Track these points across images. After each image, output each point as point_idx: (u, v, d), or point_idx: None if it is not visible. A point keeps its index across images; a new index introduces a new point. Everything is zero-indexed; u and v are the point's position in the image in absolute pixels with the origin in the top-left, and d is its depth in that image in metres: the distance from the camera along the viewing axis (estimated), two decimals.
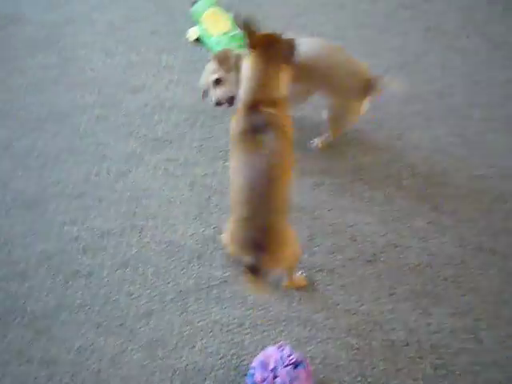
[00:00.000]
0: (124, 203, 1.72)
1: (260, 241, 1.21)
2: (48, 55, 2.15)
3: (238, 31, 2.09)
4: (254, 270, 1.19)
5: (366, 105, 1.68)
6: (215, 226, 1.67)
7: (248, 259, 1.20)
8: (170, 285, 1.55)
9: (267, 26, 2.25)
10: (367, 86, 1.60)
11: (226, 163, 1.82)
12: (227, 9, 2.25)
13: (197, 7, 2.21)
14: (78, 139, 1.88)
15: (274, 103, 1.33)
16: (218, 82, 1.60)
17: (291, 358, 1.31)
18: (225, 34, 2.07)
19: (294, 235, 1.34)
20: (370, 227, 1.69)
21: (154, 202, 1.72)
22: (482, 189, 1.79)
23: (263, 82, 1.34)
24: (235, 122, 1.34)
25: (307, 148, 1.86)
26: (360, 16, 2.30)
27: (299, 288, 1.56)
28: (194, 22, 2.22)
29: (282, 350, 1.34)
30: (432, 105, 2.01)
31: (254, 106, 1.32)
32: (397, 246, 1.65)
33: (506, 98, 2.04)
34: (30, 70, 2.10)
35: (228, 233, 1.31)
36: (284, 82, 1.37)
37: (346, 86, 1.62)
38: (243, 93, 1.35)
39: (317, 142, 1.86)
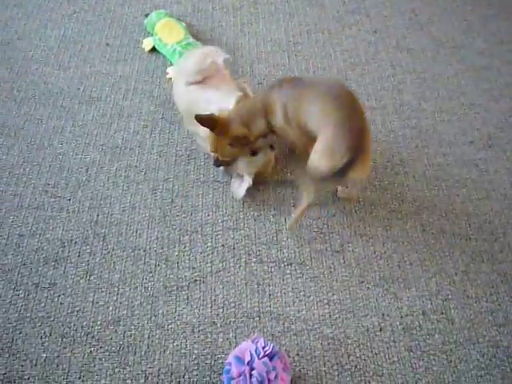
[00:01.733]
0: (85, 212, 1.68)
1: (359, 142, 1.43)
2: None
3: (191, 39, 2.12)
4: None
5: None
6: (180, 228, 1.65)
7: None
8: (137, 289, 1.51)
9: (220, 34, 2.29)
10: None
11: (188, 166, 1.81)
12: (179, 18, 2.27)
13: (150, 18, 2.23)
14: (34, 151, 1.83)
15: None
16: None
17: (266, 349, 1.29)
18: (178, 42, 2.09)
19: None
20: (336, 219, 1.70)
21: (116, 209, 1.69)
22: (440, 176, 1.84)
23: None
24: None
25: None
26: (310, 22, 2.37)
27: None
28: (149, 33, 2.23)
29: (257, 342, 1.32)
30: (385, 101, 2.07)
31: None
32: (363, 236, 1.67)
33: (452, 91, 2.12)
34: None
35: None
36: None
37: None
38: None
39: None
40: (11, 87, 2.04)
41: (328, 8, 2.46)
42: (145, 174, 1.78)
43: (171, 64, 2.11)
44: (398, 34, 2.36)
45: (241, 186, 1.68)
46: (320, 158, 1.45)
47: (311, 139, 1.51)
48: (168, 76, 2.09)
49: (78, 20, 2.33)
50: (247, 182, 1.67)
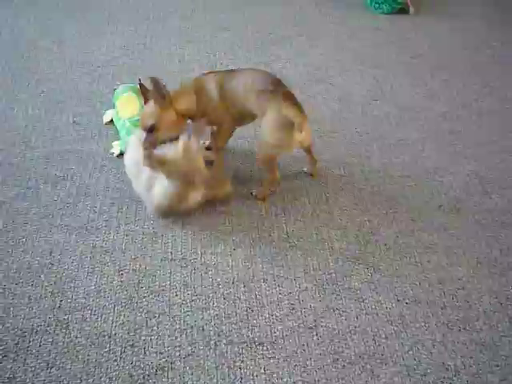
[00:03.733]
0: (48, 298, 1.61)
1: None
2: None
3: None
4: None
5: None
6: (147, 310, 1.59)
7: None
8: (101, 380, 1.43)
9: (160, 60, 2.32)
10: None
11: (155, 245, 1.77)
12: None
13: (117, 91, 2.26)
14: None
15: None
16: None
17: None
18: (130, 118, 2.10)
19: None
20: (308, 293, 1.66)
21: (80, 293, 1.63)
22: (410, 242, 1.83)
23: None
24: None
25: (236, 222, 1.86)
26: None
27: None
28: (113, 106, 2.25)
29: None
30: (353, 169, 2.09)
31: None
32: (335, 310, 1.63)
33: (416, 156, 2.16)
34: None
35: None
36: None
37: None
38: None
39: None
40: None
41: (292, 78, 2.52)
42: (111, 254, 1.74)
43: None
44: (362, 101, 2.43)
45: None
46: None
47: (239, 118, 1.93)
48: (111, 150, 2.09)
49: (45, 99, 2.35)
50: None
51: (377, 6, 3.09)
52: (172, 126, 1.82)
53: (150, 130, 1.82)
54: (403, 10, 3.11)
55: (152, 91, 1.80)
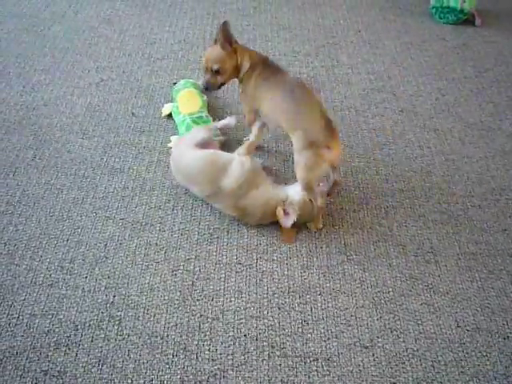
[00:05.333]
0: (101, 292, 1.60)
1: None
2: (22, 137, 2.09)
3: (205, 114, 2.10)
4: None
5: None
6: (200, 313, 1.56)
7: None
8: (152, 382, 1.41)
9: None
10: None
11: (210, 246, 1.74)
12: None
13: (177, 85, 2.24)
14: (52, 223, 1.78)
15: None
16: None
17: None
18: (190, 114, 2.07)
19: None
20: (364, 310, 1.60)
21: (133, 290, 1.60)
22: (473, 266, 1.75)
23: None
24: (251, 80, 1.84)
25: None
26: (337, 98, 2.36)
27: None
28: (172, 99, 2.23)
29: None
30: (414, 183, 2.02)
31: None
32: (393, 330, 1.56)
33: (481, 174, 2.07)
34: (2, 152, 2.02)
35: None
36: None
37: None
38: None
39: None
40: (34, 154, 2.01)
41: (354, 85, 2.46)
42: (165, 252, 1.71)
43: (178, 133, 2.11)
44: (424, 113, 2.35)
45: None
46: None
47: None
48: (169, 145, 2.06)
49: (104, 89, 2.34)
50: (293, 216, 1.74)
51: (442, 15, 2.99)
52: (233, 74, 1.86)
53: (216, 72, 1.83)
54: (469, 21, 2.99)
55: (220, 35, 1.80)
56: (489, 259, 1.78)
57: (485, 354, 1.53)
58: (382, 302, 1.63)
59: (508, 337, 1.57)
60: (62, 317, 1.54)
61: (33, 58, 2.53)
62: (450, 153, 2.16)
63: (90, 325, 1.52)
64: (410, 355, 1.51)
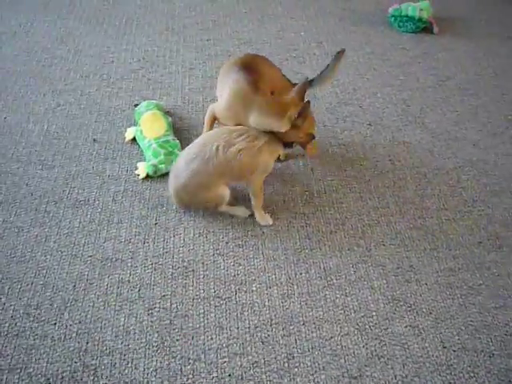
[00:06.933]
0: (73, 339, 1.49)
1: None
2: None
3: (171, 137, 2.02)
4: None
5: None
6: (181, 355, 1.48)
7: None
8: None
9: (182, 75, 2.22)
10: None
11: (186, 280, 1.66)
12: (168, 111, 2.20)
13: (139, 107, 2.15)
14: (13, 265, 1.66)
15: None
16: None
17: None
18: (156, 138, 1.99)
19: None
20: (350, 338, 1.56)
21: (108, 335, 1.51)
22: (453, 282, 1.74)
23: None
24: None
25: (271, 257, 1.76)
26: None
27: None
28: (135, 123, 2.14)
29: None
30: (387, 199, 2.00)
31: None
32: (380, 357, 1.53)
33: (453, 186, 2.07)
34: None
35: None
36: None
37: None
38: None
39: None
40: None
41: (320, 99, 2.43)
42: (139, 290, 1.62)
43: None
44: (392, 125, 2.34)
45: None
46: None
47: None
48: (137, 172, 1.97)
49: (62, 114, 2.22)
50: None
51: (401, 24, 3.01)
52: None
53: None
54: (427, 29, 3.03)
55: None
56: (467, 274, 1.77)
57: (472, 374, 1.52)
58: (367, 327, 1.60)
59: (493, 354, 1.56)
60: (31, 370, 1.42)
61: None
62: (421, 165, 2.16)
63: (62, 377, 1.41)
64: (400, 382, 1.48)
